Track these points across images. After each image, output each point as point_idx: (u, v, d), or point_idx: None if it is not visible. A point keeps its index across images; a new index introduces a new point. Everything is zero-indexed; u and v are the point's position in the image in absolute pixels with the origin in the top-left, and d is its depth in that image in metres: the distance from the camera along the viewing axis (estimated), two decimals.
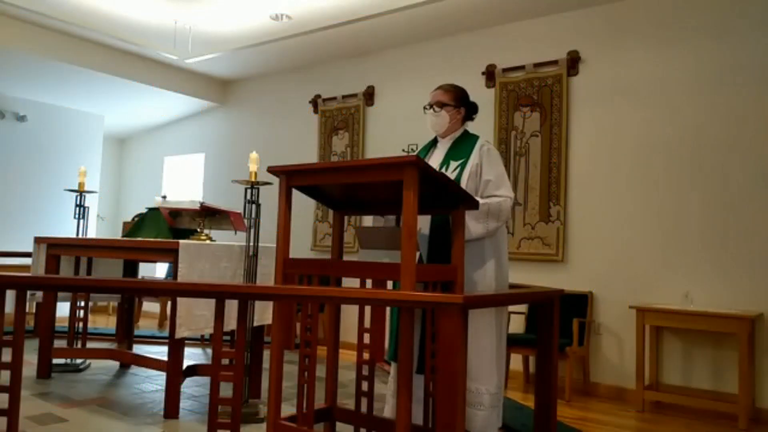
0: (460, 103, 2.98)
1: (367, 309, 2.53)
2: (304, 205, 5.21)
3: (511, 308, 4.45)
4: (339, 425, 2.76)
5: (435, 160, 2.96)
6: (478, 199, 2.62)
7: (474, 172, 2.83)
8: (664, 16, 4.58)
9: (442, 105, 2.95)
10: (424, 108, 3.01)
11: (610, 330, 4.58)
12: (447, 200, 2.50)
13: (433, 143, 3.07)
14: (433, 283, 2.40)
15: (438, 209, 2.63)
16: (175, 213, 4.08)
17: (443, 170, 2.85)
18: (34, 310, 5.66)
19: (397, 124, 5.97)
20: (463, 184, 2.78)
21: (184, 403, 3.61)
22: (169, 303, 4.52)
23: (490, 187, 2.80)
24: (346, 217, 4.00)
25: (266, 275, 3.62)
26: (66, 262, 4.39)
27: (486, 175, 2.82)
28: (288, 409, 2.86)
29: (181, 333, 3.26)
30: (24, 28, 5.84)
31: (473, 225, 2.71)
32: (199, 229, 3.83)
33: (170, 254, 3.37)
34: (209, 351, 5.55)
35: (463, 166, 2.84)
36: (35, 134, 7.29)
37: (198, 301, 3.29)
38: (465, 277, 2.67)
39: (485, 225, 2.74)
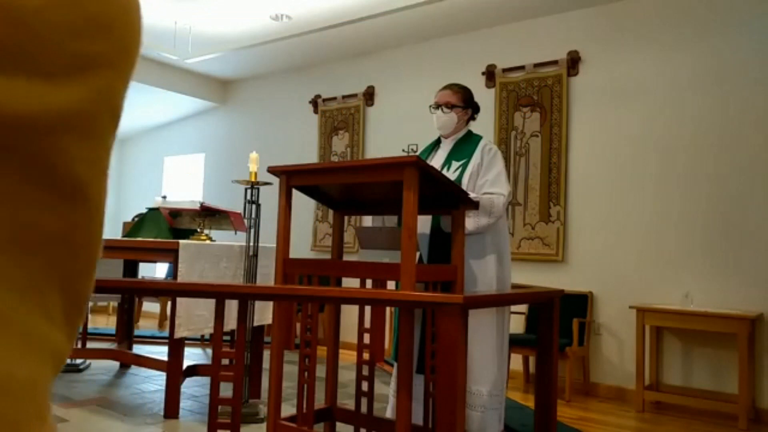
0: (467, 104, 2.98)
1: (367, 309, 2.53)
2: (304, 205, 5.21)
3: (511, 308, 4.45)
4: (339, 425, 2.75)
5: (437, 161, 2.96)
6: (470, 194, 2.60)
7: (475, 172, 2.82)
8: (664, 16, 4.58)
9: (451, 106, 2.93)
10: (431, 107, 2.99)
11: (610, 330, 4.58)
12: (447, 200, 2.50)
13: (436, 143, 3.07)
14: (433, 283, 2.40)
15: (438, 209, 2.63)
16: (175, 213, 4.08)
17: (445, 170, 2.85)
18: None
19: (397, 124, 5.97)
20: (464, 184, 2.78)
21: (184, 403, 3.61)
22: (169, 303, 4.51)
23: (485, 186, 2.80)
24: (346, 217, 4.00)
25: (266, 275, 3.61)
26: None
27: (484, 176, 2.82)
28: (288, 409, 2.86)
29: (180, 333, 3.26)
30: None
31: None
32: (199, 229, 3.83)
33: (170, 254, 3.37)
34: (209, 351, 5.55)
35: (464, 167, 2.84)
36: None
37: (198, 301, 3.29)
38: (466, 274, 2.67)
39: (475, 220, 2.73)
